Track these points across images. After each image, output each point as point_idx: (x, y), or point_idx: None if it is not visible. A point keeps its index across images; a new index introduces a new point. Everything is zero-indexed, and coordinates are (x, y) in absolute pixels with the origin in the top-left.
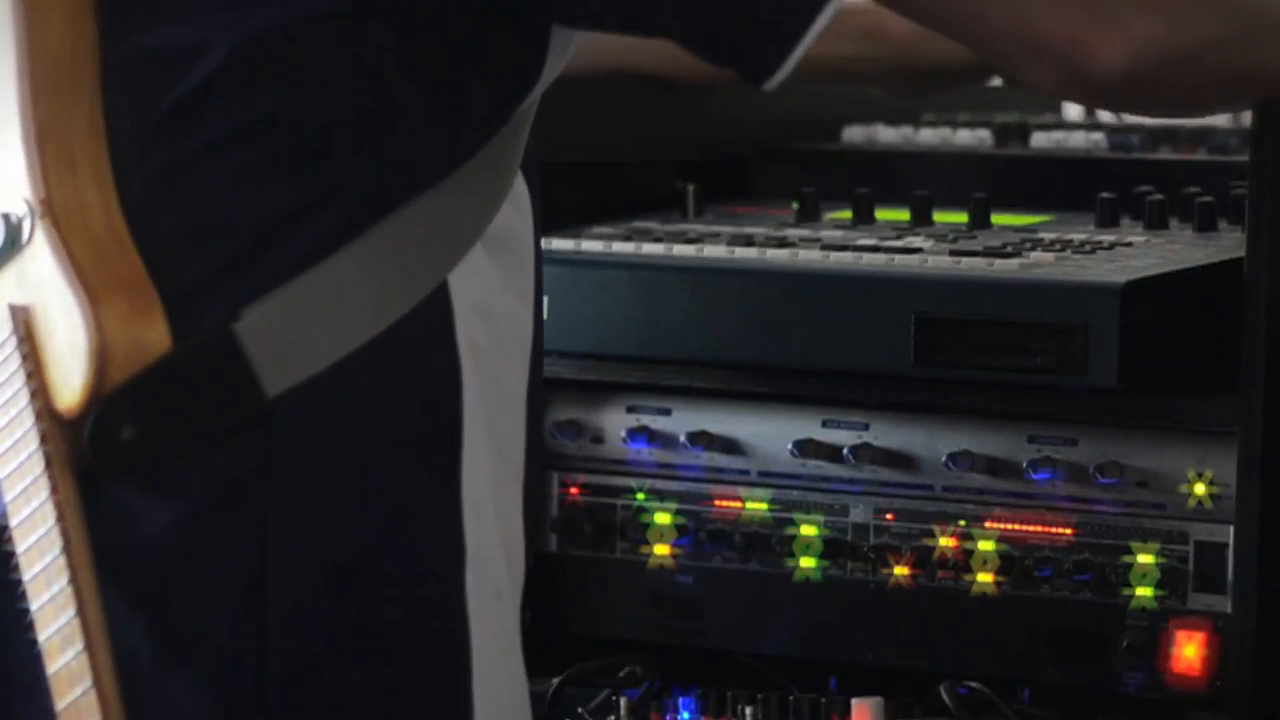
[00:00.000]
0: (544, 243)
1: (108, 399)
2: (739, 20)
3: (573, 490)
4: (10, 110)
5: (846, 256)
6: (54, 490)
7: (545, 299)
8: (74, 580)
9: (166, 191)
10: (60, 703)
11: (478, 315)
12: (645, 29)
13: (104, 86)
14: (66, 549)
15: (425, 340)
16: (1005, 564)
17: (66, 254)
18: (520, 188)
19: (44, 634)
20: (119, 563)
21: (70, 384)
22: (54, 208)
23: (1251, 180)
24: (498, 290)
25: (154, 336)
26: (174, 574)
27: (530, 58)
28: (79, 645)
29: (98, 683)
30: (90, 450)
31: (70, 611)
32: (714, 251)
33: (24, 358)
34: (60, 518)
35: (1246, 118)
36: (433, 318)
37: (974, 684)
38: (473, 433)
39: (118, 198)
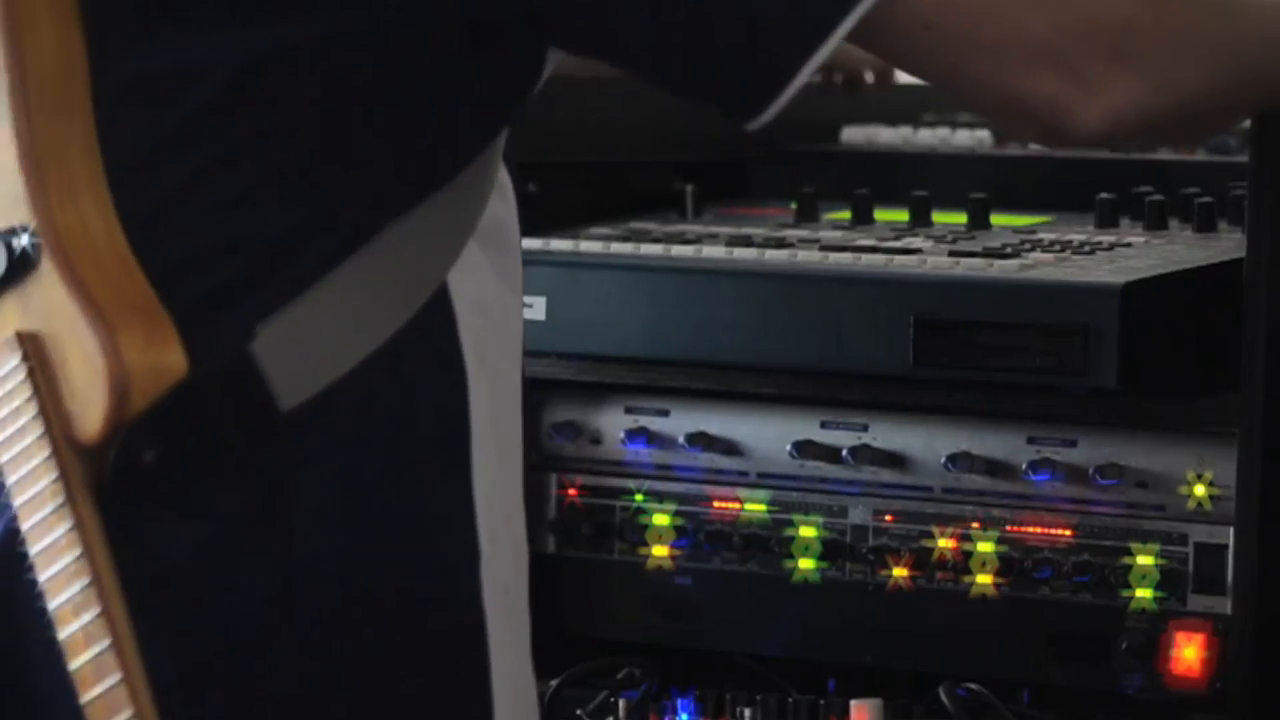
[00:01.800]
0: (543, 243)
1: (130, 427)
2: (728, 59)
3: (571, 491)
4: (5, 135)
5: (845, 257)
6: (78, 521)
7: (544, 299)
8: (106, 611)
9: (172, 212)
10: None
11: (477, 311)
12: (623, 61)
13: (104, 108)
14: (96, 580)
15: (431, 341)
16: (1004, 565)
17: (76, 281)
18: (504, 176)
19: (75, 663)
20: (142, 587)
21: (91, 413)
22: (58, 233)
23: (1251, 181)
24: (492, 284)
25: (171, 361)
26: (201, 594)
27: (527, 72)
28: (117, 676)
29: (140, 712)
30: (113, 478)
31: (105, 641)
32: (713, 252)
33: (36, 387)
34: (87, 548)
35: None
36: (436, 318)
37: (973, 685)
38: (480, 430)
39: (119, 221)
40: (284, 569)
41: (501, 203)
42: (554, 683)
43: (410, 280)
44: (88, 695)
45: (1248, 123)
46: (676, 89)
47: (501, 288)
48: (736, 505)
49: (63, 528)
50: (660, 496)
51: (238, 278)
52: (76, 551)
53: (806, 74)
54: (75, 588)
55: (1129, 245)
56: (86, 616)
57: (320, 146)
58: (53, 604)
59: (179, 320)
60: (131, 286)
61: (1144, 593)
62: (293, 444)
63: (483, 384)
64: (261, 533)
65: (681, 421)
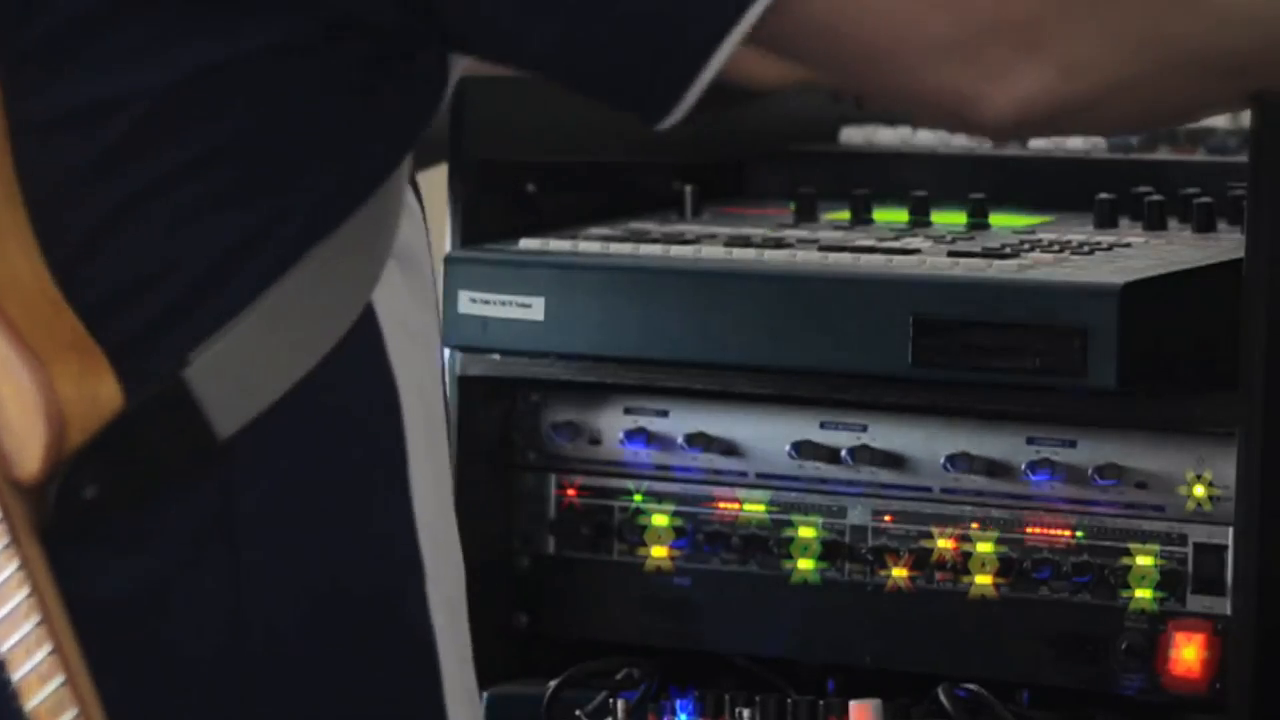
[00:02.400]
0: (542, 244)
1: (70, 462)
2: (631, 63)
3: (570, 492)
4: None
5: (844, 258)
6: (23, 561)
7: (542, 300)
8: (59, 649)
9: (100, 245)
10: None
11: (401, 330)
12: (531, 66)
13: (23, 148)
14: (47, 619)
15: (362, 361)
16: (1004, 566)
17: (5, 323)
18: (410, 199)
19: (31, 703)
20: (90, 623)
21: (29, 450)
22: None
23: (1250, 181)
24: (412, 305)
25: (106, 393)
26: (149, 626)
27: (436, 81)
28: (74, 711)
29: None
30: (56, 514)
31: (59, 678)
32: (711, 253)
33: None
34: (35, 587)
35: (1246, 118)
36: (365, 338)
37: (972, 686)
38: (415, 449)
39: (45, 259)
40: (231, 595)
41: (413, 227)
42: (553, 683)
43: (337, 301)
44: None
45: (1247, 123)
46: (586, 92)
47: (421, 310)
48: (736, 506)
49: (10, 568)
50: (659, 497)
51: (168, 307)
52: (25, 591)
53: (708, 77)
54: (26, 627)
55: (1128, 245)
56: (39, 655)
57: (242, 169)
58: (4, 646)
59: (111, 353)
60: (61, 325)
61: (1143, 593)
62: (233, 470)
63: (414, 400)
64: (207, 560)
65: (681, 422)
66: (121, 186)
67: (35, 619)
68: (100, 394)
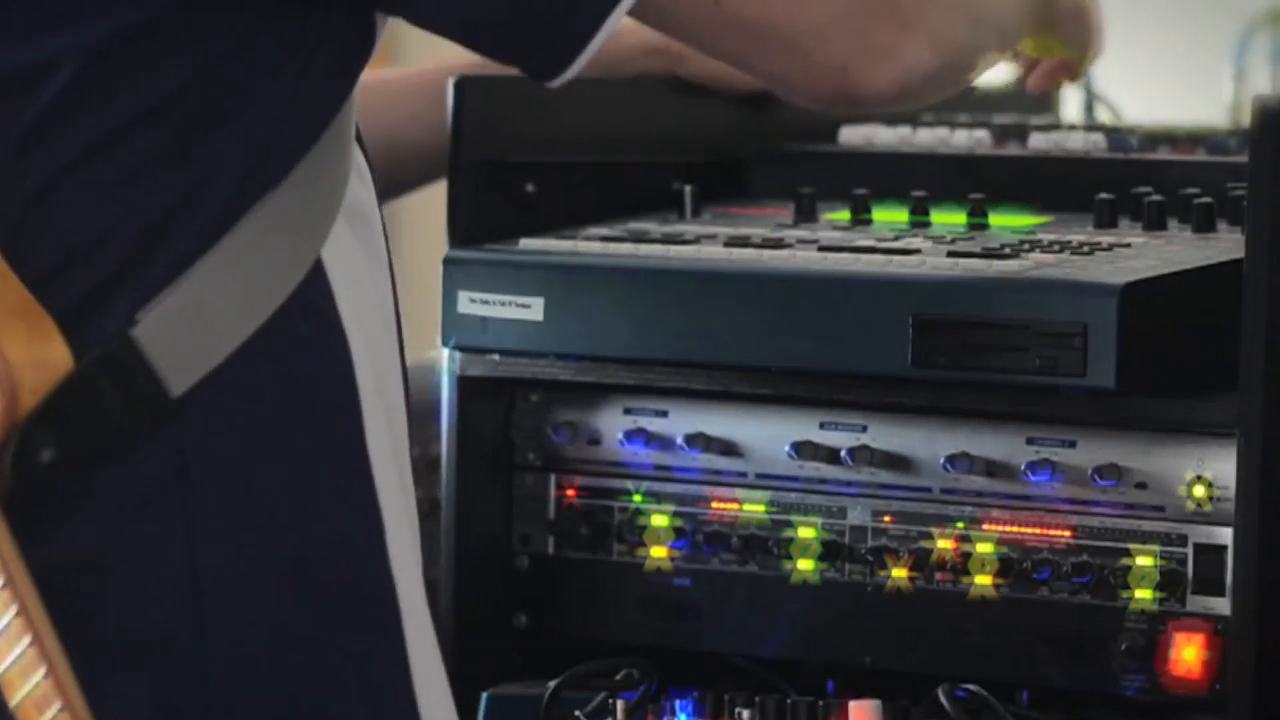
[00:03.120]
0: (541, 244)
1: (24, 426)
2: (526, 18)
3: (569, 492)
4: None
5: (844, 258)
6: None
7: (541, 300)
8: (24, 611)
9: (39, 214)
10: None
11: (353, 288)
12: (430, 23)
13: None
14: (10, 582)
15: (312, 315)
16: (1004, 566)
17: None
18: (360, 159)
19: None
20: (47, 583)
21: None
22: None
23: (1250, 181)
24: (362, 261)
25: (56, 355)
26: (106, 585)
27: (364, 32)
28: (42, 670)
29: (68, 704)
30: (13, 478)
31: (26, 639)
32: (711, 252)
33: None
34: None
35: (1246, 118)
36: (315, 293)
37: (972, 687)
38: (369, 406)
39: None
40: (186, 553)
41: (363, 186)
42: (552, 684)
43: (284, 256)
44: (17, 696)
45: (1247, 123)
46: (484, 52)
47: (371, 264)
48: (735, 506)
49: None
50: (659, 497)
51: (112, 271)
52: None
53: (607, 31)
54: (5, 617)
55: (1128, 246)
56: (5, 618)
57: (174, 130)
58: None
59: (59, 319)
60: (8, 290)
61: (1143, 594)
62: (186, 430)
63: (365, 356)
64: (162, 519)
65: (680, 422)
66: (56, 154)
67: (11, 607)
68: (50, 357)
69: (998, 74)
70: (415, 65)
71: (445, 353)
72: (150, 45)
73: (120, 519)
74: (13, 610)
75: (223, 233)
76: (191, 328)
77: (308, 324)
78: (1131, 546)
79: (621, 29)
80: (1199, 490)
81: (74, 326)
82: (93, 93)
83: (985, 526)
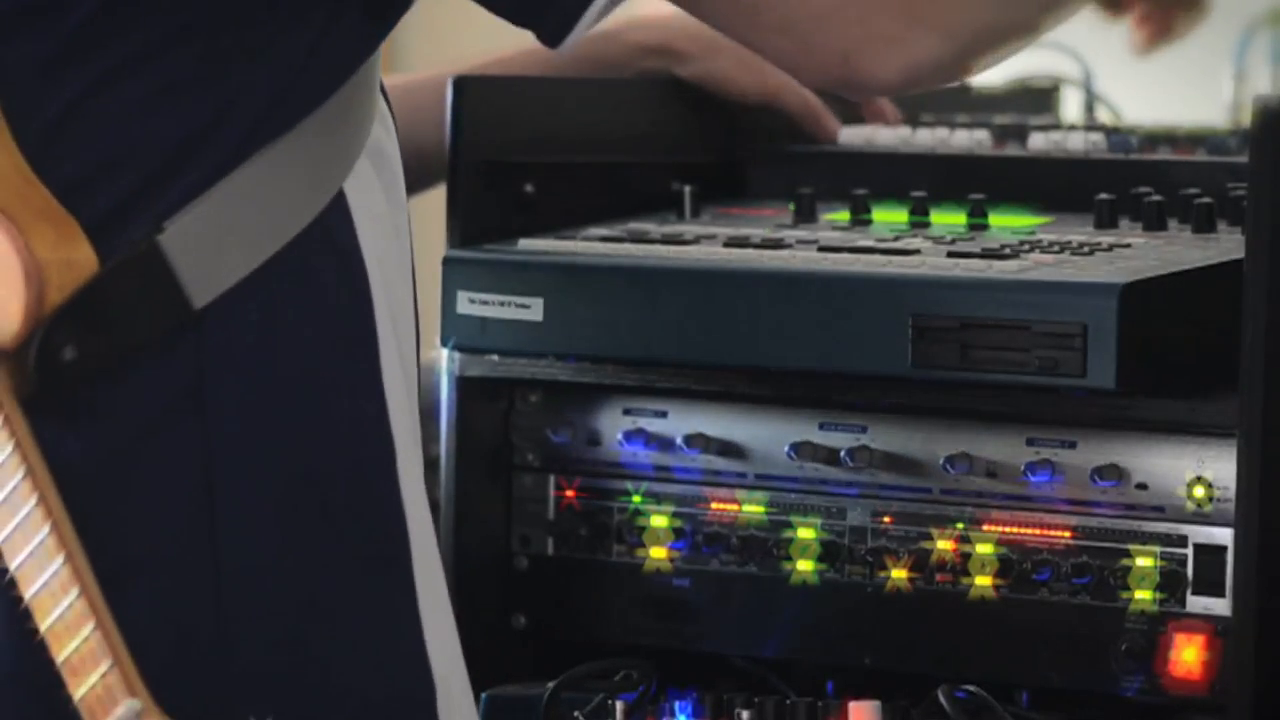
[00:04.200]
0: (541, 244)
1: (49, 322)
2: None
3: (569, 493)
4: None
5: (844, 258)
6: (5, 421)
7: (541, 300)
8: (56, 528)
9: (68, 130)
10: (62, 649)
11: (373, 222)
12: None
13: None
14: (31, 474)
15: (333, 244)
16: (1004, 567)
17: None
18: (384, 108)
19: (14, 561)
20: (62, 491)
21: (9, 311)
22: None
23: (1250, 181)
24: (384, 203)
25: (82, 257)
26: (119, 496)
27: None
28: (75, 589)
29: (101, 625)
30: (36, 375)
31: (60, 559)
32: (711, 253)
33: None
34: (18, 447)
35: (1246, 118)
36: (337, 223)
37: (972, 688)
38: (385, 337)
39: (16, 143)
40: (201, 466)
41: (384, 131)
42: (551, 685)
43: (310, 181)
44: (48, 620)
45: (1247, 123)
46: (494, 9)
47: (392, 207)
48: (735, 507)
49: (6, 447)
50: (658, 498)
51: (139, 184)
52: (7, 452)
53: (598, 9)
54: (8, 487)
55: (1128, 246)
56: (39, 536)
57: (206, 52)
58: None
59: (86, 227)
60: (35, 197)
61: (1143, 594)
62: (207, 341)
63: (382, 292)
64: (179, 430)
65: (679, 423)
66: (84, 73)
67: (19, 478)
68: (76, 258)
69: (997, 74)
70: (418, 69)
71: (444, 353)
72: None
73: (137, 430)
74: (46, 529)
75: (251, 152)
76: (215, 242)
77: (328, 251)
78: (1131, 547)
79: (623, 29)
80: (1199, 491)
81: (101, 235)
82: (123, 11)
83: (985, 527)
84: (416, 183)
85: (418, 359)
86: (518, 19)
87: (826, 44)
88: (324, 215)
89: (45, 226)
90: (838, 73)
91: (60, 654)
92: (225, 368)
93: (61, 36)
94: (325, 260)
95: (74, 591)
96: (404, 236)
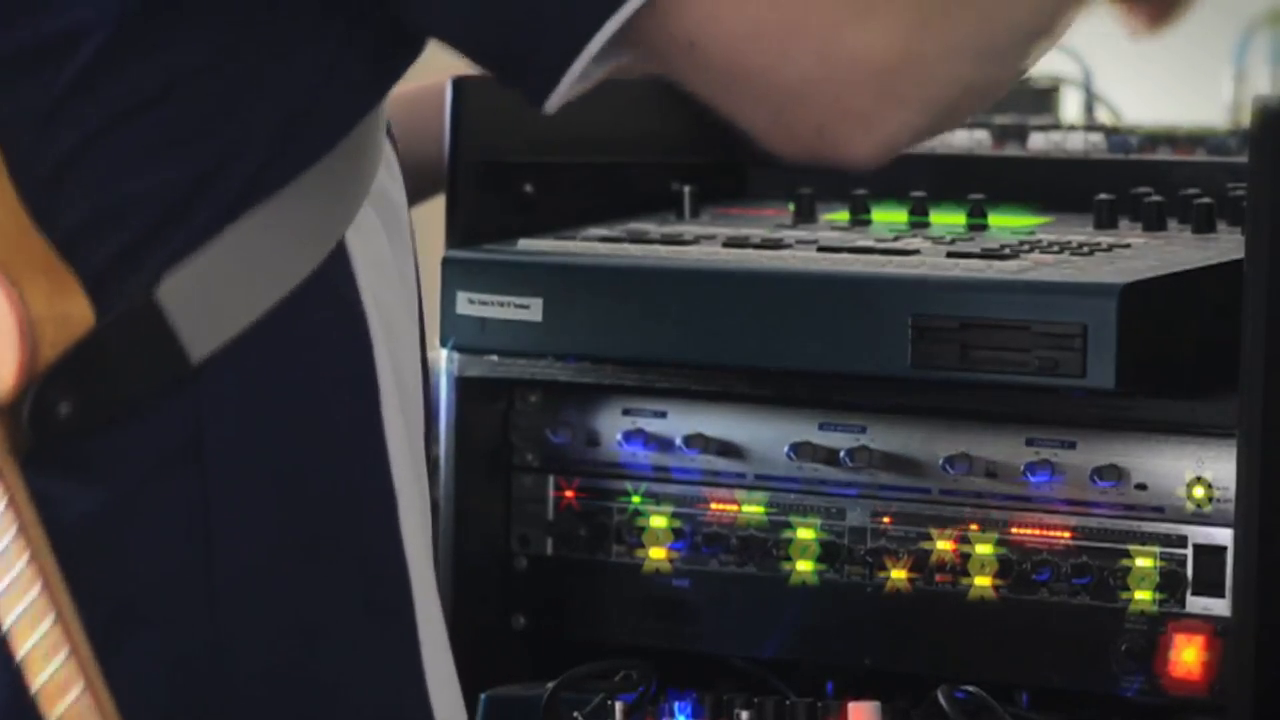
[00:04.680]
0: (540, 244)
1: (43, 378)
2: (514, 41)
3: (568, 493)
4: None
5: (843, 258)
6: (6, 488)
7: (540, 301)
8: (48, 587)
9: (68, 177)
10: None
11: (375, 270)
12: (427, 29)
13: None
14: (23, 531)
15: (333, 295)
16: (1003, 567)
17: None
18: (389, 152)
19: (6, 620)
20: (58, 547)
21: (2, 369)
22: None
23: (1250, 181)
24: (388, 250)
25: (78, 311)
26: (116, 548)
27: (398, 30)
28: (65, 651)
29: (90, 686)
30: (31, 432)
31: (50, 618)
32: (710, 253)
33: None
34: (17, 514)
35: (1246, 118)
36: (337, 273)
37: (972, 688)
38: (386, 387)
39: (16, 191)
40: (200, 520)
41: (389, 176)
42: (550, 685)
43: (310, 233)
44: (38, 681)
45: (1247, 124)
46: (482, 66)
47: (396, 254)
48: (734, 507)
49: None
50: (658, 498)
51: (139, 235)
52: (14, 528)
53: (580, 67)
54: (18, 566)
55: (1128, 246)
56: (30, 595)
57: (210, 96)
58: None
59: (84, 278)
60: (32, 248)
61: (1143, 595)
62: (204, 397)
63: (384, 341)
64: (176, 486)
65: (679, 423)
66: (84, 121)
67: (11, 535)
68: (72, 312)
69: None
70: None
71: (444, 353)
72: (177, 18)
73: (134, 482)
74: (37, 587)
75: (250, 204)
76: (212, 295)
77: (328, 303)
78: (1131, 548)
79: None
80: (1199, 491)
81: (98, 288)
82: (124, 59)
83: (985, 528)
84: (418, 193)
85: (426, 405)
86: (501, 77)
87: (802, 119)
88: (324, 265)
89: (41, 279)
90: (813, 147)
91: (50, 714)
92: (223, 419)
93: (64, 81)
94: (325, 311)
95: (64, 652)
96: (410, 283)
